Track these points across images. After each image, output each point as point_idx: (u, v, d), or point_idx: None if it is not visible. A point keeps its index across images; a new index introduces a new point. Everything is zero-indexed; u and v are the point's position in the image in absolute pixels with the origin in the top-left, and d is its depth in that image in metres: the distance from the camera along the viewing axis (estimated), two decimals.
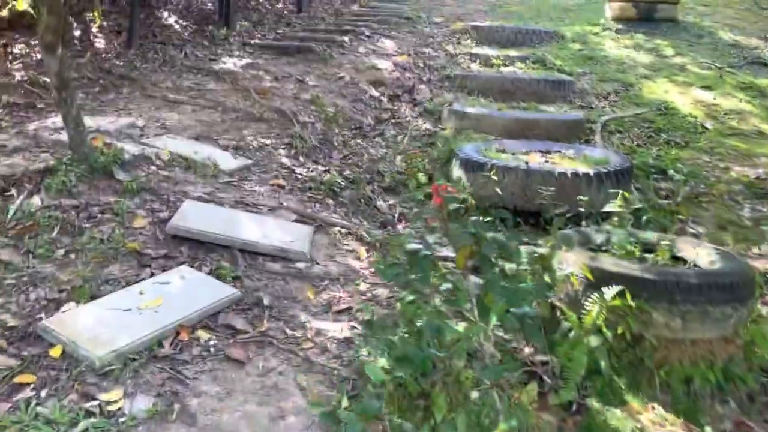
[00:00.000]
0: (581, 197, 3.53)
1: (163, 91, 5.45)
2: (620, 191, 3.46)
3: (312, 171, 4.40)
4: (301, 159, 4.57)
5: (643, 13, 7.94)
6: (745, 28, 8.22)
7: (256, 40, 7.34)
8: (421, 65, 6.85)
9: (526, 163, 3.95)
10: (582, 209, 3.42)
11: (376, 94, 6.04)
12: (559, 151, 4.51)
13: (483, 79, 6.00)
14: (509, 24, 8.28)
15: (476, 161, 3.98)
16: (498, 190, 3.84)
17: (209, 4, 8.07)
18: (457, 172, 4.14)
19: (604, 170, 3.84)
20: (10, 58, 5.52)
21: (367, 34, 7.87)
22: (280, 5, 9.15)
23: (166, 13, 7.47)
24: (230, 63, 6.46)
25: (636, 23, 8.00)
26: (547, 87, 5.88)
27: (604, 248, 2.90)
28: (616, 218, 3.25)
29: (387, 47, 7.51)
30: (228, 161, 4.22)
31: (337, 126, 5.23)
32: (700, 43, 7.63)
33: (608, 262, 2.54)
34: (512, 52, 7.27)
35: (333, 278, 3.06)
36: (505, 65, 6.83)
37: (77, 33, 6.28)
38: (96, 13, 6.53)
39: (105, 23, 6.63)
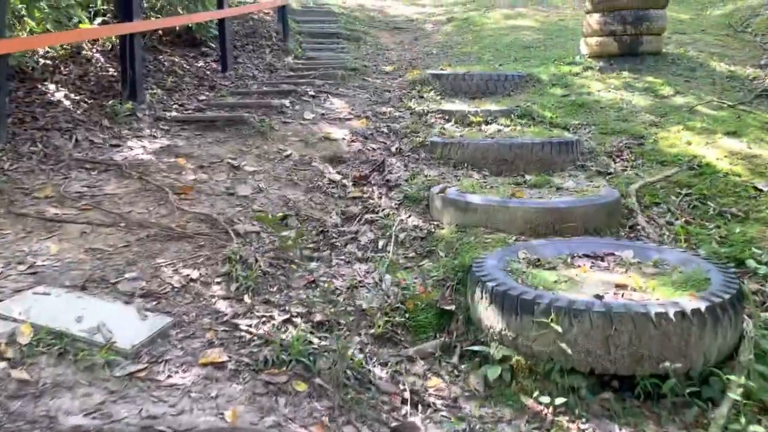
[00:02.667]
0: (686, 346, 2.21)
1: (41, 204, 3.85)
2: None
3: (265, 321, 2.91)
4: (247, 299, 3.08)
5: (626, 48, 6.91)
6: (734, 56, 7.33)
7: (173, 113, 5.82)
8: (385, 130, 5.50)
9: (600, 297, 2.60)
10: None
11: (336, 176, 4.62)
12: (612, 254, 3.22)
13: (471, 147, 4.69)
14: (475, 69, 7.09)
15: (519, 298, 2.60)
16: (564, 345, 2.47)
17: (110, 70, 6.51)
18: (486, 313, 2.75)
19: (717, 299, 2.53)
20: None
21: (311, 93, 6.49)
22: (200, 63, 7.68)
23: (52, 86, 5.86)
24: (138, 149, 4.91)
25: (618, 59, 6.97)
26: (552, 151, 4.62)
27: None
28: None
29: (338, 108, 6.15)
30: (131, 328, 2.67)
31: (292, 234, 3.77)
32: (695, 77, 6.64)
33: None
34: (489, 105, 6.04)
35: None
36: (486, 122, 5.57)
37: None
38: None
39: None
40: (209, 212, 3.88)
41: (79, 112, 5.49)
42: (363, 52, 9.30)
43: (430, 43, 9.81)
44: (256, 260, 3.39)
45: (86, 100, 5.78)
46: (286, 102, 6.07)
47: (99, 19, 7.31)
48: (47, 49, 6.29)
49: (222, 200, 4.11)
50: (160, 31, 8.09)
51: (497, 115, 5.66)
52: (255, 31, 9.38)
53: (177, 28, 8.19)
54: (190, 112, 5.92)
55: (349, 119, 5.82)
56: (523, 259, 3.13)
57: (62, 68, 6.33)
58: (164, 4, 7.96)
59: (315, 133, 5.40)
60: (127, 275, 3.13)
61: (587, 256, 3.22)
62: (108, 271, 3.17)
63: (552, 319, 2.49)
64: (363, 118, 5.83)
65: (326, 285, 3.25)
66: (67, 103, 5.64)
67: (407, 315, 3.03)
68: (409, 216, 4.00)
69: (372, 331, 2.96)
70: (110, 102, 5.59)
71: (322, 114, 5.93)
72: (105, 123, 5.28)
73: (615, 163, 4.86)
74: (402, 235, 3.74)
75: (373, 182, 4.55)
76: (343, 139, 5.30)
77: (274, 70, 7.86)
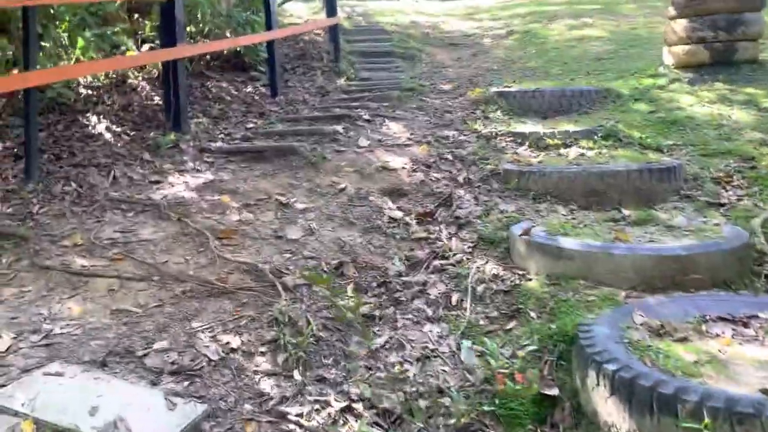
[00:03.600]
0: None
1: (68, 254, 3.42)
2: None
3: (319, 409, 2.34)
4: (297, 376, 2.52)
5: (718, 56, 6.12)
6: None
7: (219, 143, 5.39)
8: (449, 157, 4.91)
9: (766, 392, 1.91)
10: None
11: (397, 213, 4.04)
12: (756, 316, 2.51)
13: (554, 176, 4.04)
14: (545, 86, 6.43)
15: (654, 391, 1.94)
16: None
17: (155, 99, 6.17)
18: (605, 406, 2.09)
19: None
20: None
21: (366, 117, 5.97)
22: (248, 89, 7.30)
23: (94, 118, 5.54)
24: (180, 185, 4.48)
25: (710, 69, 6.17)
26: (652, 179, 3.92)
27: None
28: None
29: (396, 133, 5.60)
30: (156, 423, 2.15)
31: (349, 284, 3.21)
32: None
33: None
34: (566, 125, 5.37)
35: None
36: (565, 146, 4.90)
37: None
38: None
39: (0, 144, 4.68)
40: (254, 261, 3.36)
41: (119, 145, 5.13)
42: (419, 70, 8.76)
43: (490, 59, 9.19)
44: (308, 322, 2.84)
45: (128, 132, 5.42)
46: (339, 128, 5.56)
47: (146, 46, 7.03)
48: (89, 78, 6.00)
49: (269, 245, 3.59)
50: (208, 56, 7.78)
51: (577, 136, 4.98)
52: (305, 52, 8.99)
53: (225, 52, 7.86)
54: (237, 141, 5.48)
55: (408, 145, 5.25)
56: (642, 325, 2.46)
57: (106, 98, 6.03)
58: (212, 27, 7.65)
59: (371, 162, 4.86)
60: (156, 345, 2.63)
61: (724, 319, 2.52)
62: (135, 339, 2.68)
63: (706, 426, 1.82)
64: (424, 143, 5.25)
65: (392, 359, 2.65)
66: (107, 135, 5.29)
67: (496, 400, 2.39)
68: (486, 262, 3.37)
69: (452, 421, 2.34)
70: (152, 134, 5.21)
71: (379, 140, 5.38)
72: (146, 157, 4.88)
73: (726, 191, 4.10)
74: (480, 288, 3.12)
75: (440, 219, 3.95)
76: (403, 168, 4.73)
77: (325, 93, 7.40)
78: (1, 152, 4.62)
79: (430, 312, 3.04)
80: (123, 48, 6.71)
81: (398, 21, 12.21)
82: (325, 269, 3.37)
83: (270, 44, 7.03)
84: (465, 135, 5.46)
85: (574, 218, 3.68)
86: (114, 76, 6.59)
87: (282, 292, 3.09)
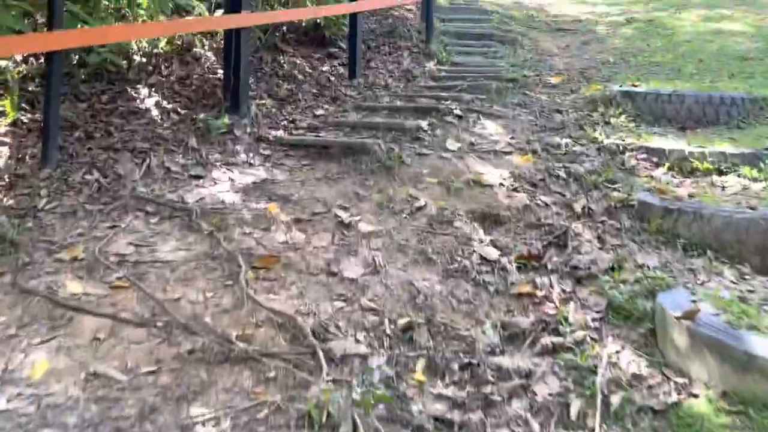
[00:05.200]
0: None
1: (61, 273, 2.64)
2: None
3: None
4: None
5: None
6: None
7: (280, 132, 4.52)
8: (562, 174, 3.83)
9: None
10: None
11: (492, 251, 3.03)
12: None
13: (715, 221, 2.91)
14: (686, 88, 5.18)
15: None
16: None
17: (219, 72, 5.37)
18: None
19: None
20: None
21: (457, 112, 4.94)
22: (325, 67, 6.40)
23: (144, 91, 4.80)
24: (224, 182, 3.65)
25: None
26: None
27: None
28: None
29: (492, 135, 4.55)
30: None
31: (419, 359, 2.26)
32: None
33: None
34: (718, 143, 4.15)
35: None
36: (719, 172, 3.72)
37: None
38: (8, 102, 3.89)
39: (24, 118, 3.98)
40: (293, 310, 2.47)
41: (165, 125, 4.35)
42: (521, 58, 7.60)
43: (606, 49, 7.88)
44: (355, 426, 1.91)
45: (179, 110, 4.65)
46: (424, 123, 4.57)
47: (220, 12, 6.26)
48: (144, 43, 5.27)
49: (317, 285, 2.68)
50: (284, 28, 6.94)
51: (736, 160, 3.78)
52: (393, 29, 8.00)
53: (303, 23, 7.00)
54: (301, 131, 4.59)
55: (507, 152, 4.20)
56: None
57: (162, 68, 5.30)
58: None
59: (460, 172, 3.85)
60: None
61: None
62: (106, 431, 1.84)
63: None
64: (528, 152, 4.19)
65: None
66: (154, 112, 4.54)
67: None
68: (621, 349, 2.33)
69: None
70: (201, 116, 4.40)
71: (471, 143, 4.36)
72: (192, 143, 4.08)
73: None
74: (616, 400, 2.08)
75: (550, 267, 2.91)
76: (501, 184, 3.70)
77: (411, 78, 6.40)
78: (28, 125, 3.93)
79: (535, 426, 2.04)
80: (197, 11, 5.97)
81: (499, 0, 10.99)
82: (389, 331, 2.43)
83: (353, 17, 6.09)
84: (581, 145, 4.34)
85: (751, 289, 2.55)
86: (179, 42, 5.86)
87: (324, 365, 2.18)
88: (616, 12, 9.99)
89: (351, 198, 3.53)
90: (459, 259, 2.95)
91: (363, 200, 3.52)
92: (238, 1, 4.58)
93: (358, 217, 3.27)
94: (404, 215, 3.36)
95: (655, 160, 3.95)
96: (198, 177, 3.72)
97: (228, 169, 3.87)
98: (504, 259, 2.97)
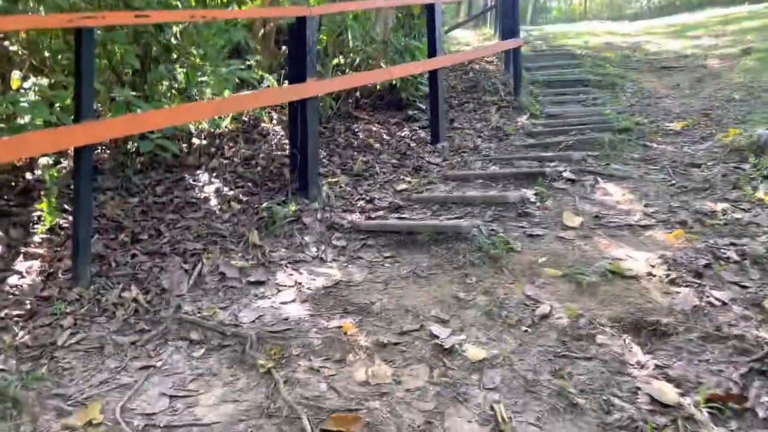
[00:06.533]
0: None
1: None
2: None
3: None
4: None
5: None
6: None
7: (355, 216, 3.79)
8: (734, 256, 2.83)
9: None
10: None
11: (668, 391, 2.06)
12: None
13: None
14: None
15: None
16: None
17: (286, 148, 4.76)
18: None
19: None
20: None
21: (568, 175, 4.05)
22: (404, 132, 5.71)
23: (205, 177, 4.24)
24: (289, 290, 2.91)
25: None
26: None
27: None
28: None
29: (619, 203, 3.62)
30: None
31: None
32: None
33: None
34: None
35: None
36: None
37: None
38: (45, 205, 3.38)
39: (65, 222, 3.45)
40: None
41: (225, 217, 3.73)
42: (625, 102, 6.64)
43: (726, 86, 6.78)
44: None
45: (241, 196, 4.04)
46: (530, 194, 3.72)
47: (287, 83, 5.76)
48: (204, 125, 4.78)
49: None
50: (358, 93, 6.37)
51: None
52: (476, 83, 7.28)
53: (378, 87, 6.40)
54: (380, 214, 3.84)
55: (647, 227, 3.25)
56: None
57: (226, 149, 4.77)
58: (364, 57, 6.23)
59: (590, 257, 2.94)
60: None
61: None
62: None
63: None
64: (675, 225, 3.22)
65: None
66: (213, 202, 3.94)
67: None
68: None
69: None
70: (265, 204, 3.75)
71: (596, 216, 3.44)
72: (254, 239, 3.40)
73: None
74: None
75: (761, 414, 1.92)
76: (650, 275, 2.75)
77: (504, 136, 5.58)
78: (67, 230, 3.39)
79: None
80: (266, 83, 5.49)
81: (588, 43, 10.12)
82: None
83: (433, 75, 5.40)
84: (744, 210, 3.33)
85: None
86: (245, 119, 5.37)
87: None
88: (725, 43, 8.87)
89: (449, 304, 2.69)
90: (618, 403, 2.02)
91: (465, 307, 2.67)
92: (302, 70, 3.98)
93: (462, 336, 2.42)
94: (524, 328, 2.48)
95: None
96: (258, 284, 3.01)
97: (294, 269, 3.15)
98: (687, 401, 2.00)
